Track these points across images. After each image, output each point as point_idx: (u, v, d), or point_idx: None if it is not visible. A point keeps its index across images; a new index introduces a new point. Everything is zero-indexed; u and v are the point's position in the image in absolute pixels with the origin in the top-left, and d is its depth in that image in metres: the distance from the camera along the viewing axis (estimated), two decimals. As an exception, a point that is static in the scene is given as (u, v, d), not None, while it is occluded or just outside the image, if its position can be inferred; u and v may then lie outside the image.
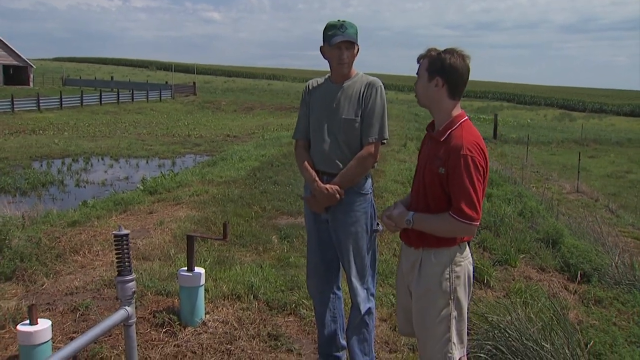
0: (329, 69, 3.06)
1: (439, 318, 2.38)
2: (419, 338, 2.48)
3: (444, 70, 2.32)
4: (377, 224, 3.05)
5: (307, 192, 3.10)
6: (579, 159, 15.96)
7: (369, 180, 3.07)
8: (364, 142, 2.97)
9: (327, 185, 2.93)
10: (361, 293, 3.03)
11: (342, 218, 2.99)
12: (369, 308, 3.07)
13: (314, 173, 3.00)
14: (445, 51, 2.34)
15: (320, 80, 3.13)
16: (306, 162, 3.05)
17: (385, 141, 3.02)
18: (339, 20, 2.92)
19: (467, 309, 2.46)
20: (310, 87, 3.13)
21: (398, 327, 2.79)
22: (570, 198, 13.51)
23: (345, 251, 3.01)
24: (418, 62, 2.43)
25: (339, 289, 3.25)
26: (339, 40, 2.88)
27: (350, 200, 2.97)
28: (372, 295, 3.10)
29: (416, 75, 2.43)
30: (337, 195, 2.91)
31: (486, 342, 3.42)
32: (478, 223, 2.27)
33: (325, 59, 3.01)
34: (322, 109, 3.02)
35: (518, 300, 4.36)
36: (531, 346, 3.19)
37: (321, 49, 2.99)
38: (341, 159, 2.96)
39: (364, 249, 3.02)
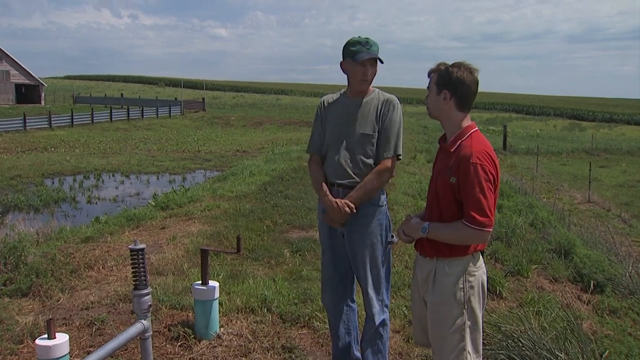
0: (346, 84, 3.05)
1: (454, 327, 2.41)
2: (434, 348, 2.51)
3: (451, 83, 2.38)
4: (392, 236, 3.08)
5: (320, 209, 3.13)
6: (590, 169, 15.89)
7: (384, 193, 3.10)
8: (381, 156, 3.00)
9: (337, 200, 2.93)
10: (376, 305, 3.04)
11: (358, 230, 3.01)
12: (383, 319, 3.08)
13: (325, 188, 3.01)
14: (453, 65, 2.40)
15: (336, 95, 3.15)
16: (319, 178, 3.06)
17: (400, 157, 3.05)
18: (363, 37, 2.92)
19: (482, 319, 2.48)
20: (325, 103, 3.14)
21: (413, 337, 2.81)
22: (581, 208, 13.44)
23: (361, 263, 3.03)
24: (429, 76, 2.48)
25: (353, 301, 3.27)
26: (365, 58, 2.89)
27: (365, 212, 3.00)
28: (386, 306, 3.12)
29: (427, 89, 2.49)
30: (347, 209, 2.91)
31: (499, 352, 3.43)
32: (490, 229, 2.31)
33: (345, 74, 3.01)
34: (338, 123, 3.04)
35: (531, 310, 4.35)
36: (545, 355, 3.19)
37: (341, 64, 2.98)
38: (356, 172, 2.99)
39: (380, 260, 3.04)
